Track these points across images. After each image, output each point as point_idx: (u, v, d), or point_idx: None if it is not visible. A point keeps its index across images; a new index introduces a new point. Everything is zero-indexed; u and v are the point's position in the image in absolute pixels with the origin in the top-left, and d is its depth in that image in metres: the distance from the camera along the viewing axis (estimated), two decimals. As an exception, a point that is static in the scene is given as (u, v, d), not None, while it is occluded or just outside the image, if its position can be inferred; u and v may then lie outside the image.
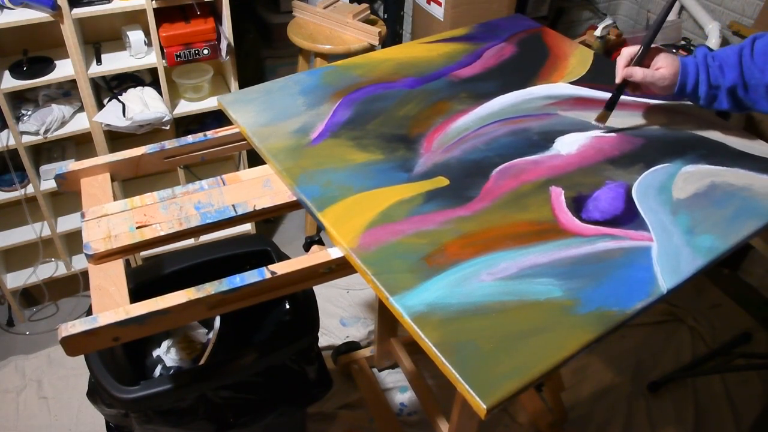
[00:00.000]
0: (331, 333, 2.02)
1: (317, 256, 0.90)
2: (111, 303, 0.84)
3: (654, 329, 2.09)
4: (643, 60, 1.09)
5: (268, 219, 2.41)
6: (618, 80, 1.11)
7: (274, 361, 1.27)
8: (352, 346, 1.90)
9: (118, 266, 0.91)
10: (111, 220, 0.95)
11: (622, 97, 1.21)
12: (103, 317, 0.79)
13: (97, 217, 0.96)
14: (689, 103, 1.24)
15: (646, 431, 1.79)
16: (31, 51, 1.72)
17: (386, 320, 1.70)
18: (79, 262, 2.04)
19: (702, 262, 0.89)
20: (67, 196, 2.00)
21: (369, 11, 2.05)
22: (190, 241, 1.94)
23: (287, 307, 1.50)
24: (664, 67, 1.06)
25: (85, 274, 2.06)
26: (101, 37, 1.84)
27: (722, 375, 1.94)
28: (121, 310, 0.80)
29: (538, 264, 0.87)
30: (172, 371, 1.39)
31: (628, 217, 0.96)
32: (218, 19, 1.81)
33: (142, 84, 1.86)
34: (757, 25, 2.26)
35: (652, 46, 1.09)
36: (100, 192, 1.04)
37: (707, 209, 0.98)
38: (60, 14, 1.57)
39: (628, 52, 1.09)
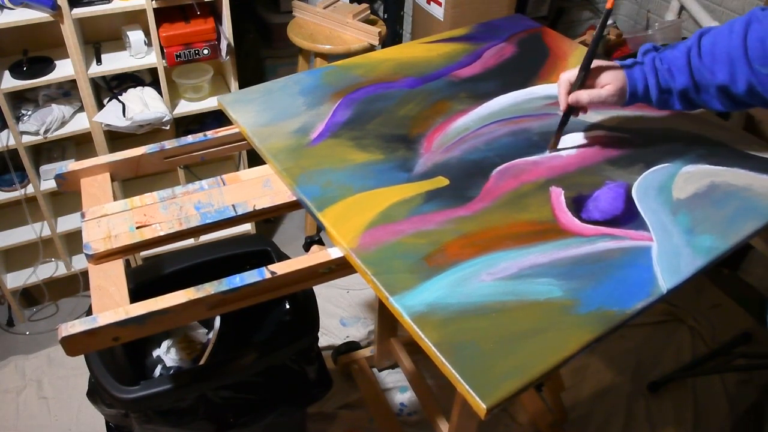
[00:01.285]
0: (331, 333, 2.02)
1: (317, 256, 0.90)
2: (111, 303, 0.84)
3: (654, 329, 2.09)
4: (585, 82, 1.03)
5: (268, 219, 2.41)
6: (563, 108, 1.06)
7: (274, 361, 1.27)
8: (352, 346, 1.90)
9: (118, 266, 0.91)
10: (111, 220, 0.95)
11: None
12: (103, 317, 0.79)
13: (97, 217, 0.96)
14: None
15: (645, 431, 1.79)
16: (31, 51, 1.72)
17: (386, 320, 1.70)
18: (79, 262, 2.04)
19: (702, 262, 0.89)
20: (67, 196, 2.00)
21: (369, 11, 2.05)
22: (190, 241, 1.94)
23: (287, 307, 1.50)
24: (610, 83, 1.02)
25: (85, 274, 2.06)
26: (101, 37, 1.84)
27: (722, 375, 1.94)
28: (121, 310, 0.80)
29: (538, 264, 0.87)
30: (172, 371, 1.39)
31: (628, 217, 0.96)
32: (218, 19, 1.81)
33: (142, 84, 1.86)
34: (757, 25, 2.25)
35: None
36: (100, 192, 1.04)
37: (707, 209, 0.98)
38: (60, 14, 1.57)
39: (566, 77, 1.04)
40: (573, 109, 1.07)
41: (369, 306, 2.13)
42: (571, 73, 1.04)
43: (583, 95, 1.03)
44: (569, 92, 1.04)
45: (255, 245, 1.48)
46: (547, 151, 1.10)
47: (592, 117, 1.17)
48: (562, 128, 1.09)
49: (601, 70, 1.04)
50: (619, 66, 1.04)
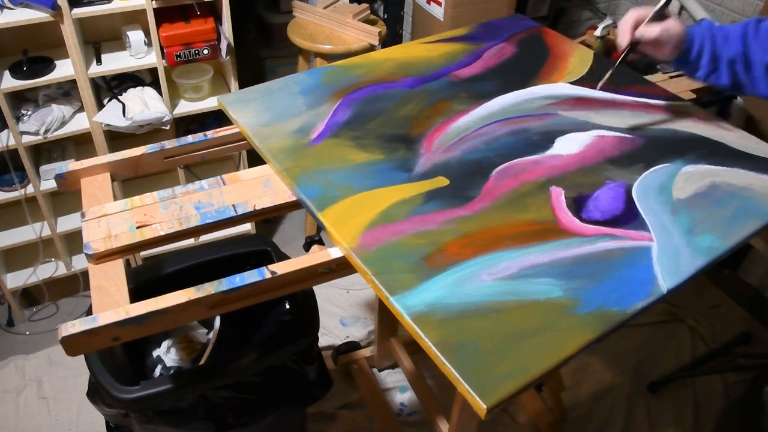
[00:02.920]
0: (331, 333, 2.02)
1: (317, 256, 0.90)
2: (111, 303, 0.84)
3: (654, 329, 2.09)
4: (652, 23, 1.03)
5: (268, 219, 2.41)
6: (625, 42, 1.05)
7: (274, 361, 1.27)
8: (352, 346, 1.90)
9: (118, 266, 0.90)
10: (111, 220, 0.95)
11: (623, 97, 1.21)
12: (103, 317, 0.79)
13: (97, 217, 0.96)
14: (689, 103, 1.24)
15: (645, 431, 1.79)
16: (31, 51, 1.72)
17: (386, 320, 1.70)
18: (79, 262, 2.04)
19: (702, 262, 0.89)
20: (67, 196, 2.00)
21: (369, 11, 2.05)
22: (190, 241, 1.94)
23: (287, 307, 1.50)
24: (672, 26, 1.02)
25: (85, 274, 2.06)
26: (101, 37, 1.84)
27: (722, 375, 1.94)
28: (121, 310, 0.80)
29: (538, 264, 0.87)
30: (172, 371, 1.39)
31: (628, 217, 0.96)
32: (218, 19, 1.81)
33: (142, 84, 1.86)
34: (757, 25, 2.25)
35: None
36: (100, 192, 1.04)
37: (707, 209, 0.98)
38: (60, 14, 1.57)
39: (635, 14, 1.04)
40: (632, 48, 1.06)
41: (369, 306, 2.13)
42: (639, 11, 1.04)
43: (653, 29, 1.01)
44: (635, 28, 1.04)
45: (255, 245, 1.48)
46: (597, 88, 1.15)
47: (593, 116, 1.17)
48: (618, 65, 1.10)
49: (665, 17, 1.04)
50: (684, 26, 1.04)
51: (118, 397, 1.14)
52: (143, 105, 1.77)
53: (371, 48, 1.95)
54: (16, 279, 1.98)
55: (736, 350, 2.02)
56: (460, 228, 0.92)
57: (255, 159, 1.13)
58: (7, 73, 1.65)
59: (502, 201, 0.97)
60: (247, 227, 2.21)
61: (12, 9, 1.56)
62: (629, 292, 0.84)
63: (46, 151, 1.89)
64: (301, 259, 0.89)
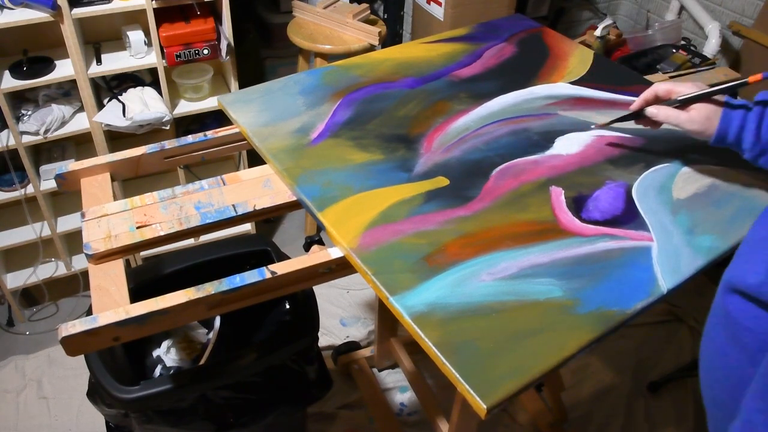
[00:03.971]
0: (331, 333, 2.02)
1: (317, 256, 0.90)
2: (111, 303, 0.84)
3: (654, 329, 2.09)
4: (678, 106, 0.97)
5: (268, 219, 2.41)
6: (634, 107, 1.02)
7: (274, 361, 1.27)
8: (352, 346, 1.90)
9: (118, 266, 0.91)
10: (111, 220, 0.95)
11: (623, 97, 1.21)
12: (103, 317, 0.79)
13: (97, 217, 0.96)
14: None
15: (646, 431, 1.79)
16: (31, 51, 1.72)
17: (386, 320, 1.70)
18: (79, 262, 2.04)
19: (702, 262, 0.89)
20: (67, 196, 2.00)
21: (369, 11, 2.05)
22: (190, 241, 1.94)
23: (287, 307, 1.50)
24: (695, 109, 0.93)
25: (85, 274, 2.06)
26: (101, 37, 1.84)
27: (722, 375, 1.94)
28: (121, 310, 0.80)
29: (538, 264, 0.87)
30: (172, 371, 1.39)
31: (628, 217, 0.96)
32: (218, 19, 1.81)
33: (142, 84, 1.86)
34: (757, 25, 2.26)
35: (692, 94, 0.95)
36: (100, 192, 1.04)
37: (707, 209, 0.98)
38: (60, 14, 1.57)
39: (663, 88, 0.97)
40: (641, 114, 1.02)
41: (369, 306, 2.13)
42: (664, 87, 0.97)
43: (661, 112, 0.96)
44: (651, 103, 0.99)
45: (255, 245, 1.48)
46: (593, 126, 1.14)
47: (594, 116, 1.17)
48: (621, 119, 1.06)
49: (701, 100, 0.95)
50: (723, 102, 0.94)
51: (118, 397, 1.14)
52: (143, 105, 1.77)
53: (371, 48, 1.95)
54: (16, 279, 1.98)
55: (736, 350, 2.02)
56: (460, 228, 0.92)
57: (255, 159, 1.13)
58: (7, 73, 1.65)
59: (502, 201, 0.97)
60: (247, 227, 2.21)
61: (12, 9, 1.56)
62: (629, 292, 0.84)
63: (46, 151, 1.89)
64: (301, 259, 0.89)
